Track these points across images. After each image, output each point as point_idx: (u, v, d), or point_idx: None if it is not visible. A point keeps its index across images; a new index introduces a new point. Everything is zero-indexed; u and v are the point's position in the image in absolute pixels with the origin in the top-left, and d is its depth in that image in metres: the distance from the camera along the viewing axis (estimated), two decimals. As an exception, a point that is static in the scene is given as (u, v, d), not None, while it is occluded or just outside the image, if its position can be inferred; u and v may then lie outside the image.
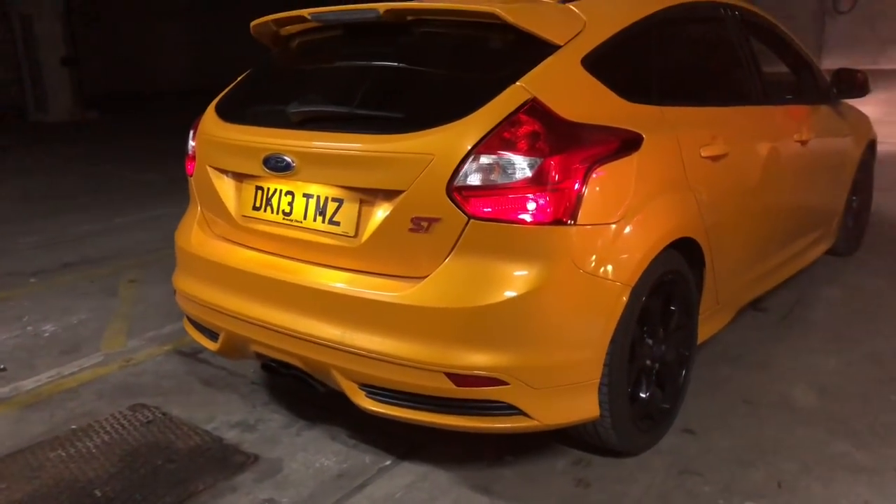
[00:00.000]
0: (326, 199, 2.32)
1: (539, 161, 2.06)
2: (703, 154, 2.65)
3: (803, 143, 3.49)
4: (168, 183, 7.21)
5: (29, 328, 3.79)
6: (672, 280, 2.52)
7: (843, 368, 3.18)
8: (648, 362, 2.54)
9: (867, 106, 4.62)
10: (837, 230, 4.38)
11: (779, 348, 3.39)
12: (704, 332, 2.89)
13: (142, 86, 17.26)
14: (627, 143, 2.28)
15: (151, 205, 6.54)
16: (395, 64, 2.48)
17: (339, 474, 2.47)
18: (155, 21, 18.03)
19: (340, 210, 2.29)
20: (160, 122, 12.46)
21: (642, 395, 2.53)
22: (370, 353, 2.17)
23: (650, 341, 2.52)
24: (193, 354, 3.41)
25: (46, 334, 3.72)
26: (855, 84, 3.89)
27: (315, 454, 2.59)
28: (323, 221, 2.33)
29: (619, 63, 2.45)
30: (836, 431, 2.68)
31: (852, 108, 4.45)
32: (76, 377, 3.23)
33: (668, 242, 2.39)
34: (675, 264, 2.52)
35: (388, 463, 2.52)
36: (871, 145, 4.67)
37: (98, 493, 2.37)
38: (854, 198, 4.54)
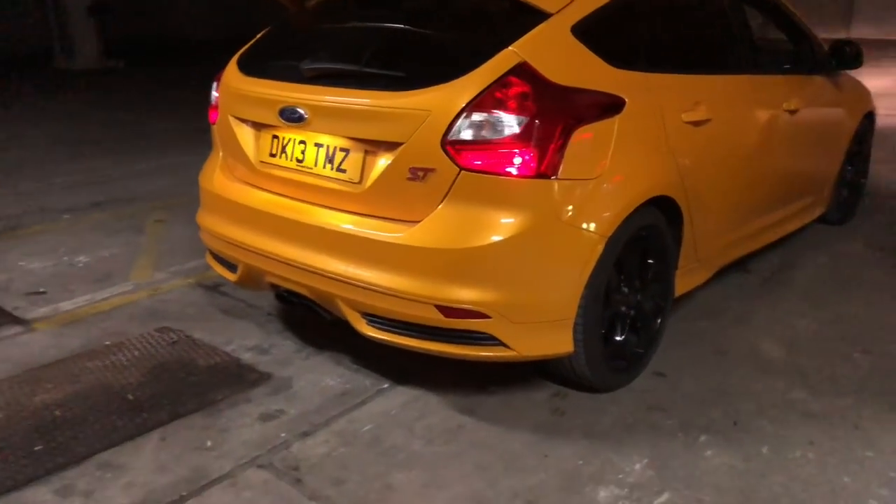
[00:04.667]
0: (335, 148, 2.58)
1: (526, 120, 2.30)
2: (684, 119, 2.86)
3: (792, 112, 3.65)
4: (189, 132, 7.45)
5: (65, 258, 4.13)
6: (648, 235, 2.76)
7: (814, 326, 3.40)
8: (624, 308, 2.80)
9: (886, 78, 4.65)
10: (829, 199, 4.53)
11: (756, 307, 3.61)
12: (683, 285, 3.12)
13: (169, 34, 17.38)
14: (609, 106, 2.50)
15: (173, 152, 6.81)
16: (399, 26, 2.73)
17: (342, 393, 2.78)
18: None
19: (347, 159, 2.55)
20: (184, 72, 12.66)
21: (617, 338, 2.79)
22: (371, 285, 2.45)
23: (626, 289, 2.78)
24: (215, 287, 3.72)
25: (80, 264, 4.05)
26: (849, 56, 4.03)
27: (321, 375, 2.90)
28: (331, 168, 2.59)
29: (607, 31, 2.65)
30: (796, 381, 2.91)
31: (852, 79, 4.57)
32: (109, 302, 3.57)
33: (644, 199, 2.62)
34: (653, 220, 2.75)
35: (385, 386, 2.83)
36: (870, 116, 4.79)
37: (131, 396, 2.71)
38: (849, 168, 4.69)
